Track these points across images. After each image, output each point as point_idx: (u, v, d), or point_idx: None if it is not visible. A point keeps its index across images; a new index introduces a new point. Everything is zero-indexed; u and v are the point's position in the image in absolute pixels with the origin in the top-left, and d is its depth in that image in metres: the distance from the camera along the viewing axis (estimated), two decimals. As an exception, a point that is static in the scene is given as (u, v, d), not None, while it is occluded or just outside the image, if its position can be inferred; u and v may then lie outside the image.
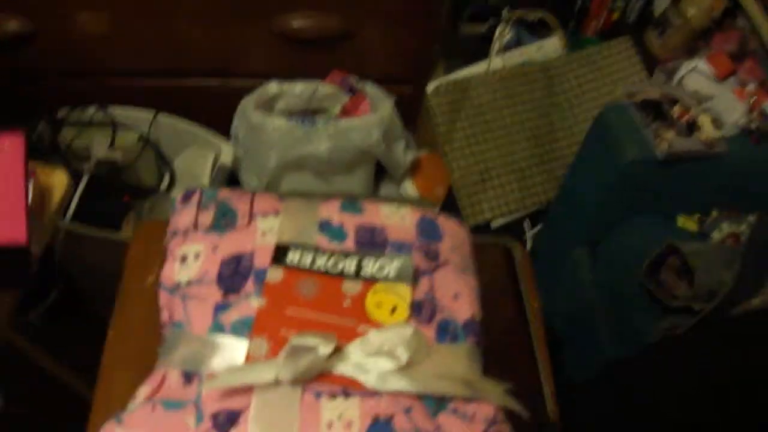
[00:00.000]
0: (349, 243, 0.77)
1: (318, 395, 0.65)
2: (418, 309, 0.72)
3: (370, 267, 0.73)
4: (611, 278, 1.51)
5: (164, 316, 0.75)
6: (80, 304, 1.63)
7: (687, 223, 1.57)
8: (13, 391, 1.16)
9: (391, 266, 0.73)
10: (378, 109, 1.56)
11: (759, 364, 1.15)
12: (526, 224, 1.77)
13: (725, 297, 1.30)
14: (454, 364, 0.69)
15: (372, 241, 0.77)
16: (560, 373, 1.44)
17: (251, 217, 0.79)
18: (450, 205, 1.71)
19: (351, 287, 0.72)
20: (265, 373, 0.65)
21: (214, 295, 0.73)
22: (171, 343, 0.72)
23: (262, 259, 0.74)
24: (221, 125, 1.65)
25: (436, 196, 1.71)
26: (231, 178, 1.67)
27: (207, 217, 0.80)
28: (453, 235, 0.81)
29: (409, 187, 1.70)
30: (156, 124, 1.66)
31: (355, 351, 0.67)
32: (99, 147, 1.57)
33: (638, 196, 1.52)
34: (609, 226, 1.56)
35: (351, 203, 0.81)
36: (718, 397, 1.13)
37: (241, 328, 0.70)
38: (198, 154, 1.65)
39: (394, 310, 0.70)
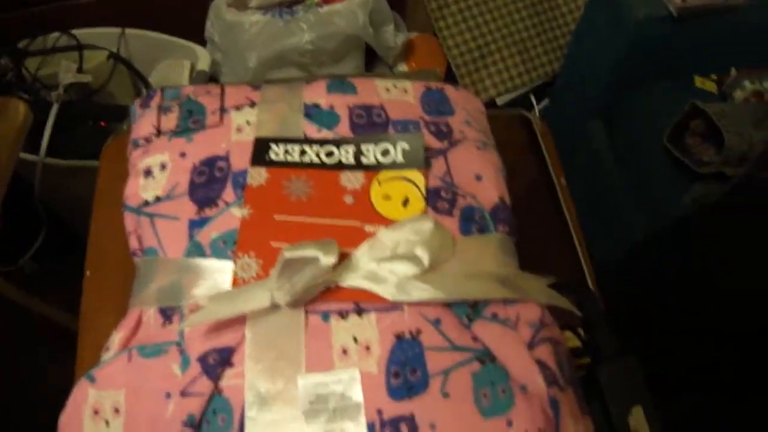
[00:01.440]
0: (343, 128, 0.62)
1: (325, 316, 0.52)
2: (434, 197, 0.57)
3: (372, 153, 0.59)
4: (631, 149, 1.37)
5: (133, 243, 0.61)
6: (73, 240, 1.51)
7: (705, 84, 1.43)
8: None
9: (397, 149, 0.59)
10: (361, -9, 1.39)
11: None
12: (533, 99, 1.62)
13: (759, 159, 1.16)
14: (485, 260, 0.55)
15: (371, 123, 0.62)
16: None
17: (223, 112, 0.64)
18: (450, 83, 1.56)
19: (351, 180, 0.58)
20: (258, 298, 0.51)
21: (188, 210, 0.59)
22: (144, 276, 0.58)
23: (241, 160, 0.60)
24: (194, 32, 1.49)
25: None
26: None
27: (171, 121, 0.65)
28: (465, 106, 0.66)
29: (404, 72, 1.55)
30: (125, 40, 1.52)
31: (364, 257, 0.53)
32: (66, 72, 1.44)
33: (651, 59, 1.37)
34: (621, 94, 1.41)
35: (340, 82, 0.66)
36: (757, 266, 1.02)
37: (223, 247, 0.56)
38: (173, 65, 1.50)
39: (406, 202, 0.56)
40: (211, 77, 1.48)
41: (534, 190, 0.81)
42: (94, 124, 1.43)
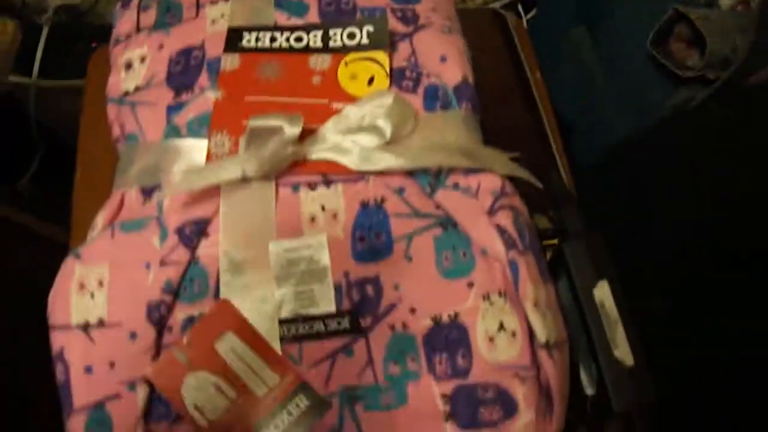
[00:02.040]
0: (312, 16, 0.64)
1: (295, 188, 0.55)
2: (399, 77, 0.60)
3: (339, 36, 0.61)
4: (616, 54, 1.37)
5: (115, 131, 0.63)
6: (69, 161, 1.53)
7: (692, -11, 1.42)
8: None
9: (363, 32, 0.61)
10: None
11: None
12: (521, 9, 1.62)
13: (741, 64, 1.17)
14: (448, 133, 0.57)
15: (338, 10, 0.64)
16: (570, 160, 1.35)
17: (198, 7, 0.66)
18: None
19: (319, 62, 0.60)
20: (229, 170, 0.54)
21: (165, 96, 0.61)
22: (126, 160, 0.60)
23: (215, 49, 0.62)
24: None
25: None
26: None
27: (149, 17, 0.68)
28: (432, -6, 0.67)
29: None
30: (111, -41, 1.50)
31: (330, 131, 0.55)
32: (54, -5, 1.42)
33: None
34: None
35: (310, -26, 0.67)
36: (731, 171, 1.04)
37: (198, 128, 0.58)
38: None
39: (371, 80, 0.58)
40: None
41: (508, 84, 0.82)
42: (86, 45, 1.44)
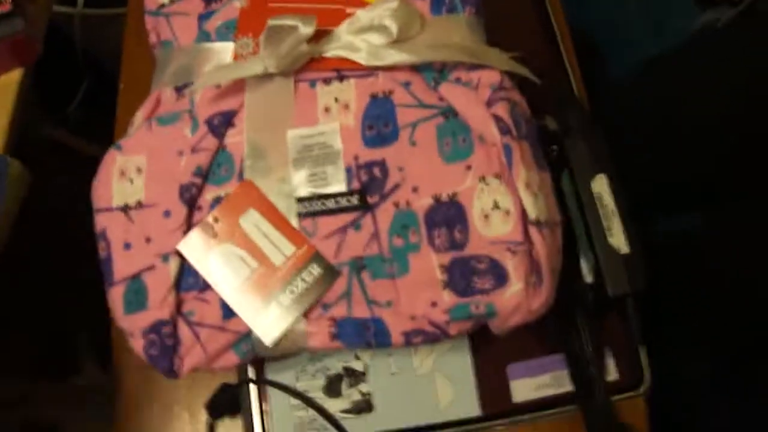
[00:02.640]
0: None
1: (312, 84, 0.61)
2: None
3: None
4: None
5: (152, 38, 0.70)
6: (115, 88, 1.61)
7: None
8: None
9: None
10: None
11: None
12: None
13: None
14: (452, 33, 0.63)
15: None
16: (597, 76, 1.38)
17: None
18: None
19: None
20: (251, 67, 0.60)
21: (197, 6, 0.68)
22: (161, 63, 0.68)
23: None
24: None
25: None
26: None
27: None
28: None
29: None
30: None
31: (343, 31, 0.61)
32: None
33: None
34: None
35: None
36: (758, 83, 1.06)
37: (226, 32, 0.65)
38: None
39: (384, -12, 0.64)
40: None
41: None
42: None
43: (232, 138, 0.60)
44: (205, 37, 0.65)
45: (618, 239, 0.68)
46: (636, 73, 1.28)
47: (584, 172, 0.69)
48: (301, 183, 0.58)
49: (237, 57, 0.63)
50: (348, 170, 0.58)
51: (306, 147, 0.59)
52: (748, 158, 1.08)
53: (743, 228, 1.07)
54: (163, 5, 0.70)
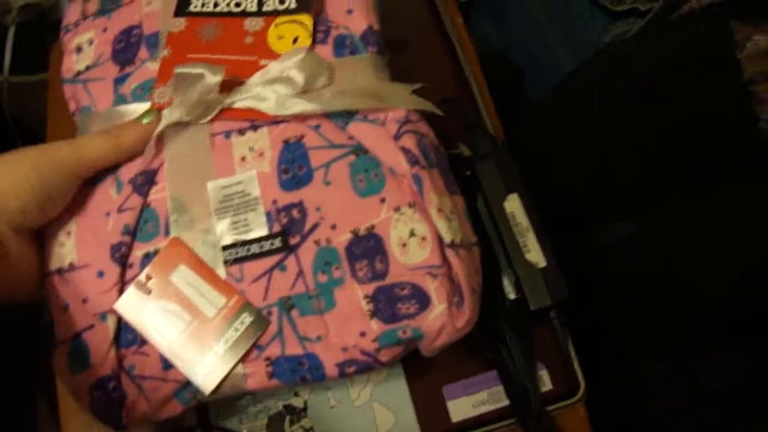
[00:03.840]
0: None
1: (227, 135, 0.65)
2: (313, 31, 0.70)
3: (272, 1, 0.71)
4: (557, -4, 1.46)
5: (72, 106, 0.74)
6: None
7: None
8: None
9: (293, -2, 0.71)
10: None
11: (706, 57, 1.14)
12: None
13: (670, -6, 1.26)
14: (356, 75, 0.68)
15: None
16: (523, 97, 1.44)
17: None
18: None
19: (253, 24, 0.70)
20: (164, 116, 0.65)
21: (112, 71, 0.72)
22: (82, 129, 0.71)
23: (151, 26, 0.73)
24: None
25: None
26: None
27: (93, 5, 0.79)
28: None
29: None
30: (67, -44, 1.59)
31: (254, 82, 0.66)
32: (16, -3, 1.51)
33: None
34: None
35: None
36: (664, 88, 1.13)
37: (141, 94, 0.69)
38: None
39: (295, 40, 0.69)
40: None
41: (424, 28, 0.92)
42: (52, 40, 1.53)
43: (155, 195, 0.64)
44: (121, 100, 0.69)
45: (535, 255, 0.73)
46: (554, 91, 1.34)
47: (496, 193, 0.74)
48: (224, 232, 0.62)
49: (155, 106, 0.67)
50: (268, 215, 0.63)
51: (226, 197, 0.63)
52: (669, 161, 1.14)
53: (676, 227, 1.13)
54: (78, 72, 0.74)
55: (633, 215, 1.20)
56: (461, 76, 0.89)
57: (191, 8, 0.72)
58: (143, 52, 0.72)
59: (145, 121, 0.65)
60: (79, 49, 0.75)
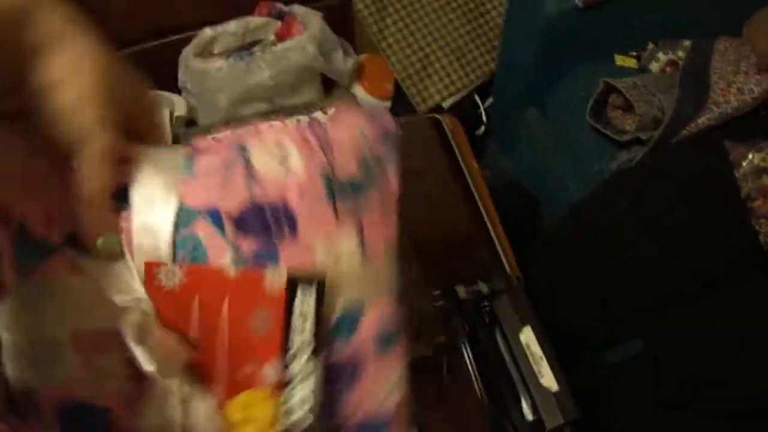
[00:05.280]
0: None
1: None
2: None
3: None
4: (564, 128, 1.61)
5: None
6: None
7: (626, 61, 1.66)
8: None
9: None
10: (309, 27, 1.65)
11: (706, 178, 1.26)
12: (477, 98, 1.87)
13: (670, 120, 1.39)
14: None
15: None
16: (538, 228, 1.57)
17: None
18: (401, 97, 1.82)
19: None
20: None
21: None
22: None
23: None
24: (168, 82, 1.74)
25: (385, 92, 1.82)
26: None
27: None
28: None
29: (359, 91, 1.80)
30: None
31: None
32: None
33: (570, 47, 1.61)
34: (552, 81, 1.65)
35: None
36: (668, 209, 1.24)
37: None
38: (156, 113, 1.74)
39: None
40: (190, 120, 1.72)
41: (446, 178, 1.06)
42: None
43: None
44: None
45: (548, 380, 0.84)
46: (565, 219, 1.46)
47: (512, 326, 0.86)
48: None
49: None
50: None
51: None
52: (675, 280, 1.25)
53: (681, 342, 1.23)
54: None
55: (640, 332, 1.30)
56: (478, 217, 1.01)
57: None
58: None
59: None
60: None
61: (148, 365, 0.42)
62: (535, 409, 0.83)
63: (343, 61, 1.72)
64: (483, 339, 0.87)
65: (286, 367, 0.45)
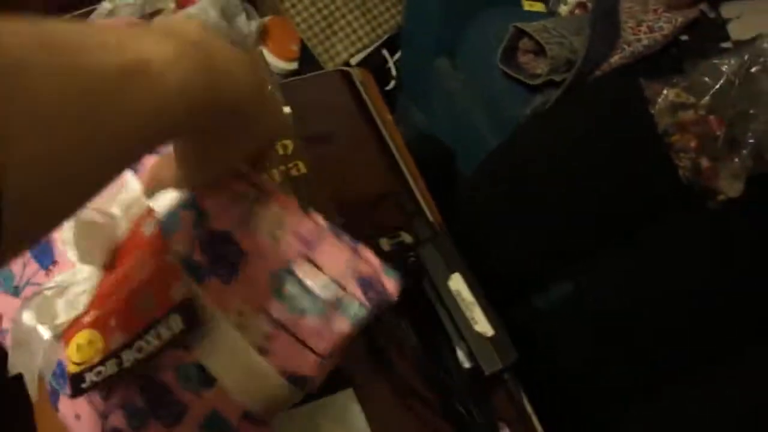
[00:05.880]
0: None
1: None
2: None
3: None
4: (476, 76, 1.59)
5: None
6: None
7: (533, 6, 1.66)
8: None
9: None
10: (209, -9, 1.61)
11: (622, 116, 1.26)
12: (386, 53, 1.84)
13: (583, 61, 1.39)
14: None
15: None
16: (457, 181, 1.55)
17: None
18: (308, 58, 1.78)
19: None
20: None
21: None
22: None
23: None
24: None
25: (291, 53, 1.79)
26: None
27: None
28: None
29: (265, 53, 1.77)
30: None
31: None
32: None
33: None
34: (460, 29, 1.63)
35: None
36: (586, 150, 1.24)
37: None
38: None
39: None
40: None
41: (361, 133, 1.03)
42: None
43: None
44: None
45: (482, 325, 0.83)
46: (483, 167, 1.44)
47: (440, 275, 0.84)
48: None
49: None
50: None
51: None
52: (596, 218, 1.25)
53: (612, 278, 1.23)
54: None
55: (569, 275, 1.30)
56: (396, 169, 0.99)
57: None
58: None
59: None
60: None
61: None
62: (471, 356, 0.82)
63: (246, 24, 1.68)
64: (411, 290, 0.85)
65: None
